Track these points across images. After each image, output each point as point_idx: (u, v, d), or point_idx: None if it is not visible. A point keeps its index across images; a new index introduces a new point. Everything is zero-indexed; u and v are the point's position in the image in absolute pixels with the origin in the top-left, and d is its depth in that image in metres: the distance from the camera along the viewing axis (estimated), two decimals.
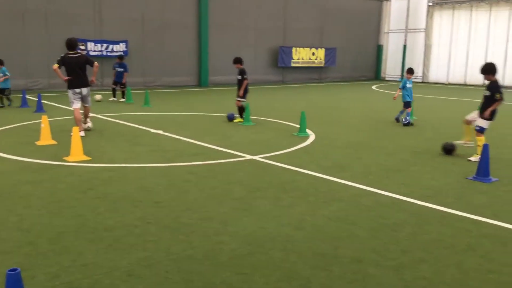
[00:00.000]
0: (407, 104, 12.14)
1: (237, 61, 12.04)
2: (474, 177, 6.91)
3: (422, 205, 5.68)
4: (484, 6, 29.10)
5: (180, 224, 4.91)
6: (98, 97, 16.21)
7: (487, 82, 8.25)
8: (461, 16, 30.21)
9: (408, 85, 12.09)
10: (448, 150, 8.51)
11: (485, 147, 6.92)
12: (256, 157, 8.04)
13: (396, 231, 4.84)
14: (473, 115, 8.42)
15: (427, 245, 4.49)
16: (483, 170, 6.86)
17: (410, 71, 12.38)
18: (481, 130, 8.03)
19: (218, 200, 5.74)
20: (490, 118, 8.02)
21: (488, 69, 8.07)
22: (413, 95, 12.43)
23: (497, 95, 7.88)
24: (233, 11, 25.43)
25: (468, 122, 8.55)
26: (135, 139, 9.61)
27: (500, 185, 6.65)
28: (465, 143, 8.65)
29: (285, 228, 4.86)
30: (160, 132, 10.42)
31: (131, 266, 3.93)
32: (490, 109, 7.90)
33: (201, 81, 24.75)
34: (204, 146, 8.97)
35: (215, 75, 24.79)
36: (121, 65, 16.72)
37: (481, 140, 7.94)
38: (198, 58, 24.62)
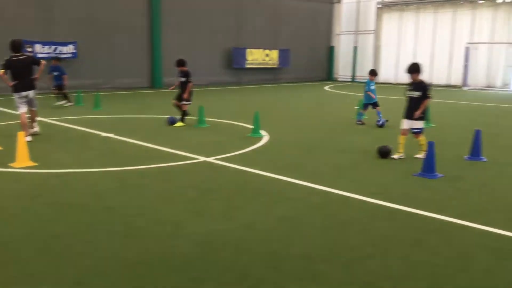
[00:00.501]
0: (374, 105, 12.33)
1: (181, 63, 11.66)
2: (420, 174, 7.16)
3: (371, 202, 5.84)
4: (430, 8, 30.20)
5: (131, 229, 4.84)
6: None
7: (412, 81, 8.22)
8: (409, 17, 31.23)
9: (372, 87, 12.33)
10: (383, 153, 8.34)
11: (430, 144, 7.17)
12: (210, 159, 8.02)
13: (346, 227, 4.96)
14: (406, 123, 8.25)
15: (376, 240, 4.63)
16: (428, 167, 7.12)
17: (373, 72, 12.61)
18: (421, 131, 8.26)
19: (171, 203, 5.70)
20: (424, 117, 8.27)
21: (415, 69, 8.19)
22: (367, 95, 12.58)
23: (430, 94, 8.14)
24: (186, 11, 25.21)
25: (406, 132, 8.29)
26: (84, 143, 9.38)
27: (446, 180, 6.93)
28: (400, 157, 8.27)
29: (237, 229, 4.88)
30: (111, 135, 10.21)
31: (80, 274, 3.84)
32: (422, 109, 8.02)
33: (154, 83, 24.40)
34: (157, 149, 8.86)
35: (168, 76, 24.37)
36: (56, 68, 15.71)
37: (423, 139, 8.20)
38: (151, 59, 24.25)
